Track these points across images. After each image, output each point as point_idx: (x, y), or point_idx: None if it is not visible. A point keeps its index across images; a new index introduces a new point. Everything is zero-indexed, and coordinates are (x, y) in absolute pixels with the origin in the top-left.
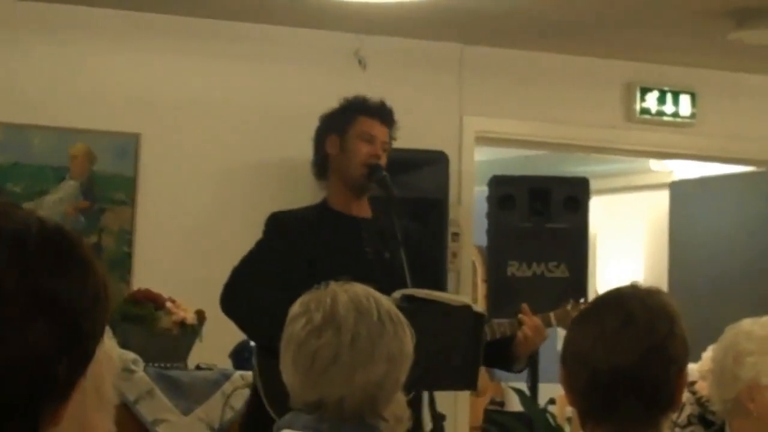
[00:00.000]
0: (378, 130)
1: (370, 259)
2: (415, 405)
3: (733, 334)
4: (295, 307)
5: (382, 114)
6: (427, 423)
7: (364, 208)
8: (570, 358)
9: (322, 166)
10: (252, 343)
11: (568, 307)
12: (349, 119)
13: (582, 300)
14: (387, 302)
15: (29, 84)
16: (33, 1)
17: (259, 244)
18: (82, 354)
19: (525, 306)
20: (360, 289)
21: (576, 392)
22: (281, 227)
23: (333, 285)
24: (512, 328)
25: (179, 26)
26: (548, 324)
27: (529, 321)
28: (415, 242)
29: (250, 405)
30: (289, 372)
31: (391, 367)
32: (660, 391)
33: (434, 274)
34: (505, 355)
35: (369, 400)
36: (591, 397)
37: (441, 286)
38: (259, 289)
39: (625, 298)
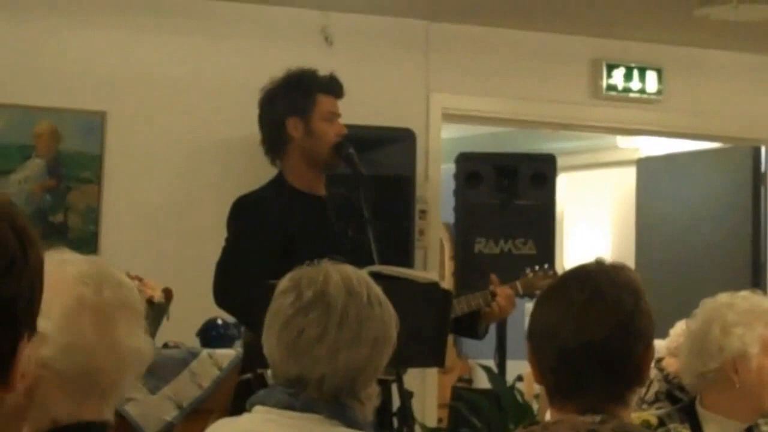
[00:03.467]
0: (336, 106)
1: (338, 238)
2: (386, 383)
3: (714, 306)
4: (285, 282)
5: (338, 89)
6: (396, 400)
7: (321, 185)
8: (537, 334)
9: (279, 146)
10: (219, 321)
11: (530, 274)
12: (310, 100)
13: (546, 266)
14: (376, 286)
15: None
16: None
17: (236, 232)
18: (9, 321)
19: (494, 277)
20: (351, 270)
21: (544, 369)
22: (252, 211)
23: (325, 264)
24: (485, 299)
25: (145, 3)
26: (516, 293)
27: (502, 291)
28: (381, 218)
29: (238, 387)
30: (272, 345)
31: (375, 351)
32: (628, 365)
33: (401, 250)
34: (473, 325)
35: (349, 381)
36: (560, 374)
37: (408, 262)
38: (247, 279)
39: (591, 274)
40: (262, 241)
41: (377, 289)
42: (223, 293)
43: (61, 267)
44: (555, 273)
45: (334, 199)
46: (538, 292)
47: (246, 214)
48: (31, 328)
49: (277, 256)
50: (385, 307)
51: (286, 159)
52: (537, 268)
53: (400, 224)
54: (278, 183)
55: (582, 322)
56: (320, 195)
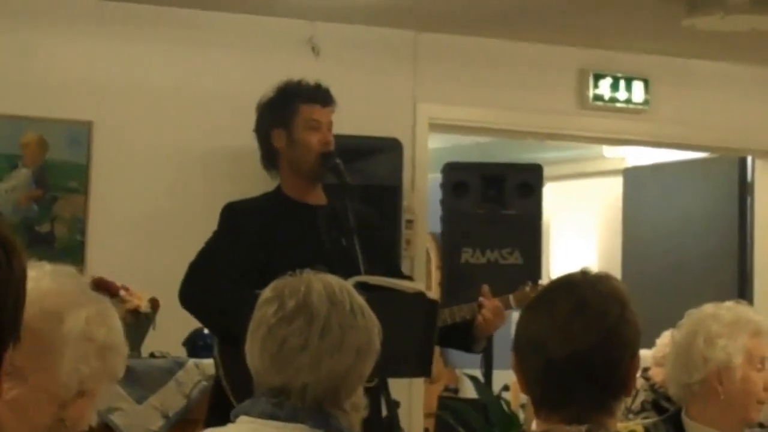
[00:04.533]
0: (321, 114)
1: (326, 248)
2: (373, 393)
3: (699, 317)
4: (267, 292)
5: (322, 97)
6: (382, 410)
7: (319, 195)
8: (523, 345)
9: (271, 159)
10: (206, 331)
11: (527, 288)
12: (291, 110)
13: (540, 281)
14: (359, 296)
15: None
16: None
17: (215, 236)
18: None
19: (485, 287)
20: (334, 280)
21: (529, 379)
22: (236, 218)
23: (308, 273)
24: (471, 311)
25: (131, 13)
26: (507, 306)
27: (489, 304)
28: (370, 227)
29: (213, 395)
30: (255, 355)
31: (358, 360)
32: (613, 375)
33: (390, 259)
34: (465, 337)
35: (332, 390)
36: (545, 384)
37: (397, 271)
38: (216, 282)
39: (576, 284)
40: (238, 247)
41: (360, 299)
42: (186, 292)
43: (67, 281)
44: None
45: (326, 209)
46: None
47: (229, 219)
48: (15, 336)
49: (253, 263)
50: (368, 316)
51: (280, 171)
52: (530, 282)
53: (388, 231)
54: (273, 193)
55: (567, 332)
56: (313, 204)
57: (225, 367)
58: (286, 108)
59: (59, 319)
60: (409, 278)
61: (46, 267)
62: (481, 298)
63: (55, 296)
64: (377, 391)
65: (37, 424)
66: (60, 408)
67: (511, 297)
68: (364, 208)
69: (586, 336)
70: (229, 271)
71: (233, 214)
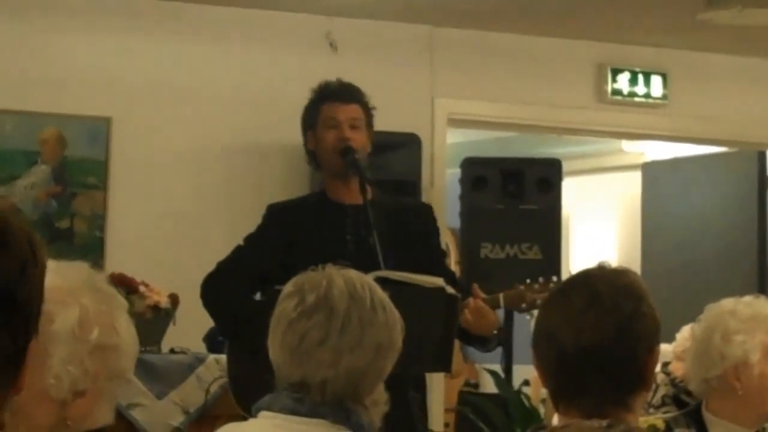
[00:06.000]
0: (342, 111)
1: (348, 247)
2: (395, 386)
3: (717, 313)
4: (288, 287)
5: (342, 94)
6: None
7: (355, 195)
8: (539, 339)
9: (313, 161)
10: None
11: (522, 287)
12: (315, 112)
13: (542, 279)
14: (381, 292)
15: None
16: None
17: (246, 237)
18: (22, 322)
19: (475, 286)
20: (356, 275)
21: (546, 373)
22: (269, 219)
23: (330, 269)
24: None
25: (150, 9)
26: (496, 305)
27: (471, 303)
28: (406, 221)
29: None
30: (276, 349)
31: (378, 356)
32: (628, 370)
33: (428, 250)
34: (466, 336)
35: (352, 385)
36: (560, 378)
37: (441, 263)
38: (229, 283)
39: (591, 279)
40: (262, 249)
41: (381, 294)
42: (203, 288)
43: (66, 278)
44: (558, 281)
45: (357, 208)
46: (524, 306)
47: (264, 220)
48: (37, 329)
49: (275, 264)
50: (390, 312)
51: (321, 173)
52: (529, 281)
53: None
54: (315, 193)
55: (579, 325)
56: (345, 203)
57: (229, 364)
58: (313, 110)
59: (49, 318)
60: (452, 274)
61: (51, 265)
62: (469, 298)
63: (48, 295)
64: (406, 386)
65: (36, 423)
66: (61, 408)
67: (501, 296)
68: (405, 201)
69: (597, 330)
70: (246, 272)
71: (268, 215)
